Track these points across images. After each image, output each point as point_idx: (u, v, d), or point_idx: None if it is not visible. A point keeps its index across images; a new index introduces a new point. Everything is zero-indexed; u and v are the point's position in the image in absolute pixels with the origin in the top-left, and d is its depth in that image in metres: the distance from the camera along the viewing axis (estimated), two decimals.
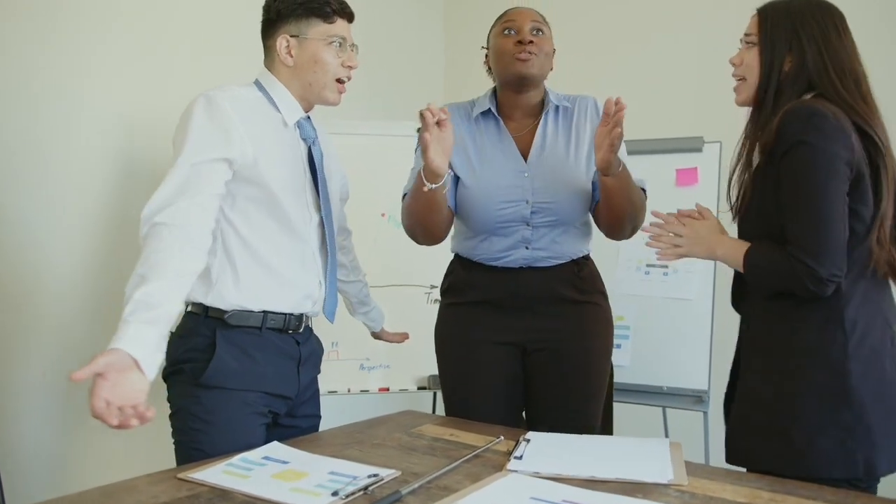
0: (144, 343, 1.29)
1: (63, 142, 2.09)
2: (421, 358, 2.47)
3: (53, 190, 2.08)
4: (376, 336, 2.14)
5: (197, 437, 1.50)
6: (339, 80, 1.62)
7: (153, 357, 1.31)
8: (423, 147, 1.54)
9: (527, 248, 1.80)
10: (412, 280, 2.55)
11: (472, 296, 1.85)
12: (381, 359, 2.55)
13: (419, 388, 2.59)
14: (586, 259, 1.89)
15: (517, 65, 1.75)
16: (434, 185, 1.61)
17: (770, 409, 1.40)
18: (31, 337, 2.08)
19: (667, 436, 2.43)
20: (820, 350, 1.36)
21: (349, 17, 1.64)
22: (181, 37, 2.34)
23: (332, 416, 2.11)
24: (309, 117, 1.67)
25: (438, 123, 1.53)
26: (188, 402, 1.52)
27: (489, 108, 1.83)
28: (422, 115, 1.51)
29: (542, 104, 1.85)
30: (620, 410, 2.19)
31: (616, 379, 2.16)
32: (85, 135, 2.13)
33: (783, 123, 1.35)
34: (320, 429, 1.73)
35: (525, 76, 1.77)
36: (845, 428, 1.33)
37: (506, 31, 1.79)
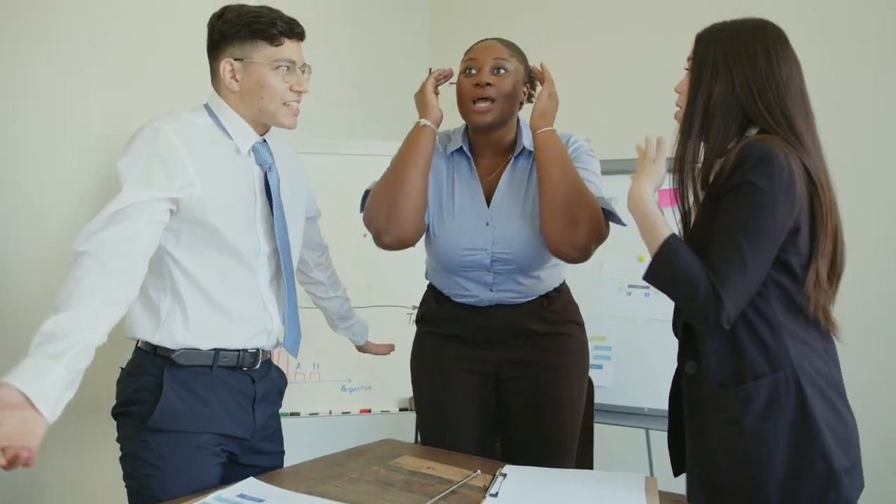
0: (42, 378, 1.15)
1: (45, 150, 2.03)
2: (403, 379, 2.43)
3: (35, 198, 2.01)
4: (362, 349, 2.08)
5: (148, 483, 1.44)
6: (287, 104, 1.53)
7: (54, 394, 1.16)
8: (423, 87, 1.75)
9: (491, 290, 1.79)
10: (394, 301, 2.54)
11: (444, 328, 1.85)
12: (363, 380, 2.53)
13: (401, 410, 2.57)
14: (558, 291, 1.85)
15: (472, 116, 1.73)
16: (428, 123, 1.71)
17: (741, 468, 1.32)
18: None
19: (649, 457, 2.42)
20: (777, 402, 1.29)
21: (299, 36, 1.54)
22: (175, 45, 2.27)
23: (313, 438, 2.09)
24: (265, 140, 1.58)
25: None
26: (136, 446, 1.46)
27: (461, 147, 1.81)
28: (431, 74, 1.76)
29: (515, 142, 1.80)
30: (602, 432, 2.18)
31: (597, 400, 2.15)
32: (71, 145, 2.07)
33: (737, 163, 1.28)
34: (303, 453, 1.68)
35: (480, 126, 1.74)
36: (819, 473, 1.28)
37: (467, 71, 1.75)
